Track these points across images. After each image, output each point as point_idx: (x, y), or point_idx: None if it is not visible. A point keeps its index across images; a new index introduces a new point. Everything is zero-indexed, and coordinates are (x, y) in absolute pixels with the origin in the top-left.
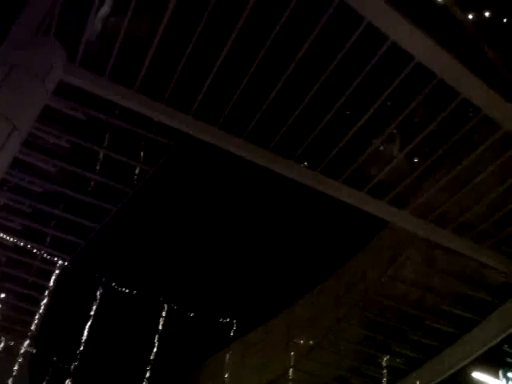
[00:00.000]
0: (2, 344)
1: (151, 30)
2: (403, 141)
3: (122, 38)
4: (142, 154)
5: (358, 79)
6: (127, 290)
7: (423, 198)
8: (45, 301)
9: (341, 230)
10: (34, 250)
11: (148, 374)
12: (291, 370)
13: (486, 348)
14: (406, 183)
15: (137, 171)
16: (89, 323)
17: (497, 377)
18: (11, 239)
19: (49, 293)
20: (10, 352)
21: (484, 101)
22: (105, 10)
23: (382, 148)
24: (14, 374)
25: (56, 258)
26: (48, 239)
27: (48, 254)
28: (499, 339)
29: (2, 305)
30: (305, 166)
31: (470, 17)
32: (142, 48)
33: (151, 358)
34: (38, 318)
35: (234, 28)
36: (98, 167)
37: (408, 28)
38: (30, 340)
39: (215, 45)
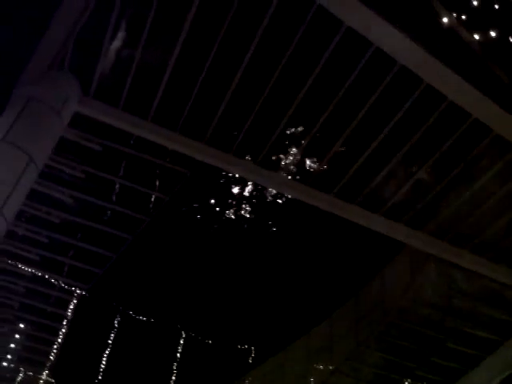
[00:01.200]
0: (21, 375)
1: (163, 61)
2: (418, 162)
3: (134, 70)
4: (157, 182)
5: (371, 101)
6: (145, 319)
7: (440, 218)
8: (63, 330)
9: (358, 254)
10: (52, 280)
11: None
12: None
13: (510, 370)
14: (423, 204)
15: (152, 199)
16: (107, 352)
17: None
18: (29, 269)
19: (67, 322)
20: (29, 383)
21: (496, 121)
22: (117, 42)
23: (396, 170)
24: None
25: (74, 288)
26: (65, 269)
27: (66, 284)
28: None
29: (21, 335)
30: (319, 189)
31: (477, 37)
32: (155, 78)
33: None
34: (57, 348)
35: (244, 56)
36: (114, 197)
37: (414, 48)
38: (49, 370)
39: (227, 72)
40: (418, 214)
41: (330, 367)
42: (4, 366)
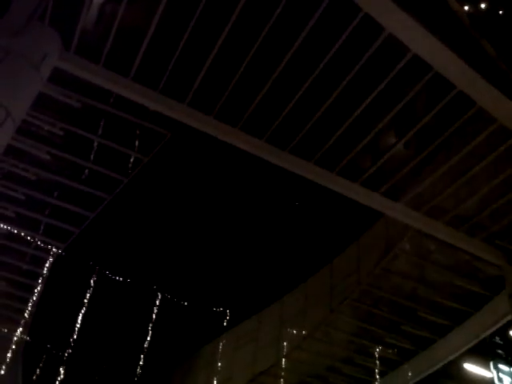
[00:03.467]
0: None
1: (146, 18)
2: (398, 133)
3: (117, 26)
4: (136, 142)
5: (354, 70)
6: (121, 279)
7: (417, 190)
8: (38, 288)
9: (335, 221)
10: (28, 238)
11: (141, 363)
12: (283, 359)
13: (477, 340)
14: (401, 175)
15: (131, 160)
16: (82, 311)
17: (488, 368)
18: (5, 227)
19: (43, 280)
20: (4, 340)
21: (480, 94)
22: None
23: (376, 140)
24: (7, 361)
25: (50, 246)
26: (42, 227)
27: (42, 242)
28: (491, 331)
29: None
30: (299, 157)
31: (466, 9)
32: (138, 36)
33: (144, 346)
34: (32, 306)
35: (230, 17)
36: (92, 155)
37: (404, 19)
38: (24, 328)
39: (211, 33)
40: (396, 185)
41: (303, 332)
42: None
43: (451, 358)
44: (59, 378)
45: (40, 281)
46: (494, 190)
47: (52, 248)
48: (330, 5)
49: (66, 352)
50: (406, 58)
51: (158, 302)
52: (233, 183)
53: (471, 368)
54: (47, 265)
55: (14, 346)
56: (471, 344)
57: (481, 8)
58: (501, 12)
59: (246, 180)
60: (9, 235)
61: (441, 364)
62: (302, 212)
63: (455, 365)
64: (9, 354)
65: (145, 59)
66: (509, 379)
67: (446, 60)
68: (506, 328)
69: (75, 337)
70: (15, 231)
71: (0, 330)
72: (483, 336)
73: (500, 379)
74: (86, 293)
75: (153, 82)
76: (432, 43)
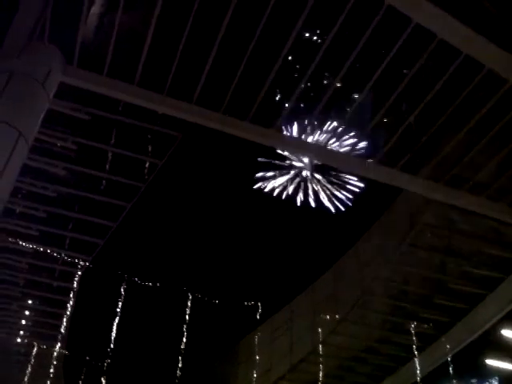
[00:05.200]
0: (35, 349)
1: (144, 23)
2: (409, 106)
3: (116, 35)
4: (149, 147)
5: (360, 44)
6: (150, 284)
7: (435, 161)
8: (71, 302)
9: (355, 203)
10: (54, 254)
11: (180, 364)
12: (320, 345)
13: None
14: (417, 148)
15: (147, 165)
16: (116, 320)
17: None
18: (30, 245)
19: (74, 294)
20: (44, 356)
21: (487, 56)
22: (96, 8)
23: (388, 117)
24: (50, 376)
25: (77, 260)
26: (67, 242)
27: (68, 257)
28: None
29: (30, 311)
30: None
31: None
32: (138, 42)
33: (182, 347)
34: (67, 320)
35: (226, 13)
36: (107, 166)
37: None
38: (61, 343)
39: (211, 31)
40: (413, 159)
41: (337, 316)
42: (18, 342)
43: (488, 326)
44: None
45: (71, 295)
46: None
47: (79, 261)
48: None
49: (105, 361)
50: (409, 28)
51: (190, 303)
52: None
53: (510, 334)
54: (76, 278)
55: (54, 362)
56: (506, 310)
57: None
58: None
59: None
60: (35, 254)
61: (478, 333)
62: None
63: (493, 332)
64: (51, 370)
65: (147, 64)
66: None
67: (450, 26)
68: None
69: (112, 346)
70: (41, 249)
71: (39, 346)
72: None
73: None
74: (118, 301)
75: (158, 85)
76: (434, 11)
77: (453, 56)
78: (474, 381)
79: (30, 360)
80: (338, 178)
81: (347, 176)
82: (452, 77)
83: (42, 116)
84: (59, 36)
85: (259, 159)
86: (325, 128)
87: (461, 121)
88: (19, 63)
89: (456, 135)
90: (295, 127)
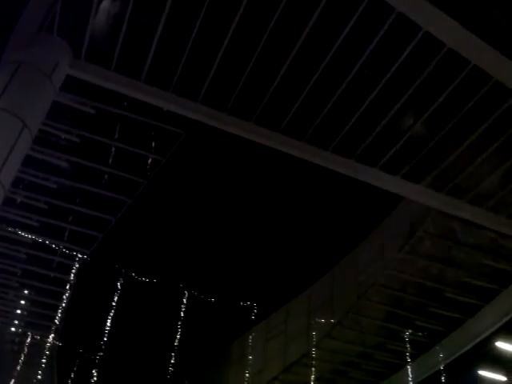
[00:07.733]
0: (29, 339)
1: (154, 20)
2: (414, 114)
3: (125, 30)
4: (153, 144)
5: (367, 52)
6: (147, 279)
7: (437, 170)
8: (67, 294)
9: (356, 209)
10: (53, 246)
11: (173, 361)
12: (314, 349)
13: (508, 317)
14: (419, 157)
15: (149, 161)
16: (111, 314)
17: None
18: (29, 236)
19: (70, 287)
20: (37, 346)
21: (495, 67)
22: (106, 2)
23: (392, 124)
24: (43, 366)
25: (75, 252)
26: (66, 234)
27: (67, 249)
28: None
29: (26, 301)
30: (316, 146)
31: None
32: (146, 38)
33: (175, 344)
34: (62, 312)
35: (237, 12)
36: (110, 160)
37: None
38: (55, 333)
39: (220, 30)
40: (416, 167)
41: (332, 321)
42: (12, 331)
43: (483, 337)
44: (93, 381)
45: (68, 287)
46: None
47: (77, 254)
48: None
49: (98, 355)
50: (417, 36)
51: (185, 301)
52: (254, 177)
53: (504, 346)
54: (74, 271)
55: (47, 352)
56: (502, 322)
57: None
58: None
59: (267, 173)
60: (34, 244)
61: (472, 344)
62: (322, 201)
63: (487, 344)
64: (43, 360)
65: (155, 60)
66: None
67: (458, 36)
68: None
69: (106, 339)
70: (40, 240)
71: (33, 336)
72: None
73: None
74: (114, 295)
75: (164, 82)
76: (444, 21)
77: (459, 66)
78: None
79: (24, 350)
80: None
81: None
82: (457, 87)
83: (47, 108)
84: (68, 29)
85: None
86: None
87: (465, 131)
88: (27, 54)
89: (460, 145)
90: None
